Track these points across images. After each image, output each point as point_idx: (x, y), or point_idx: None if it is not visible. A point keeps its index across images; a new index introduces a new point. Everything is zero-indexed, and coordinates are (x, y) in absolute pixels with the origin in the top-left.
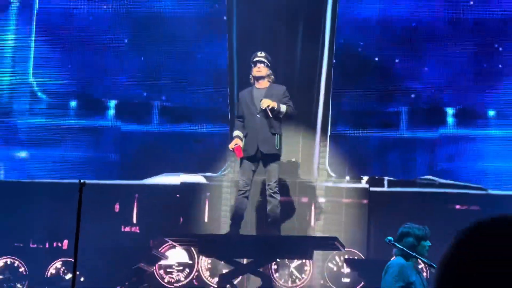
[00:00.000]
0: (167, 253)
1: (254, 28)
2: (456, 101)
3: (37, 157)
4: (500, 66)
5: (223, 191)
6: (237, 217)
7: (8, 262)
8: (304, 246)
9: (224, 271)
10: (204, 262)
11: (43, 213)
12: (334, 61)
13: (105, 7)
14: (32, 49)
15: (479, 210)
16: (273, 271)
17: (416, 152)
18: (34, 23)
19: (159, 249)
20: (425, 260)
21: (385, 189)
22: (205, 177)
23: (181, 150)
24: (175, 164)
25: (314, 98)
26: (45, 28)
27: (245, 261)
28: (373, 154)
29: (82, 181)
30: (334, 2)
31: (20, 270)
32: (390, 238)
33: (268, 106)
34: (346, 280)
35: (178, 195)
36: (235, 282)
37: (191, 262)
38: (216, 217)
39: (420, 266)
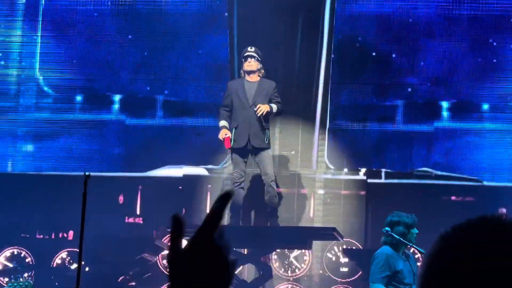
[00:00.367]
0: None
1: (254, 24)
2: (451, 95)
3: (43, 150)
4: (495, 60)
5: (224, 183)
6: (235, 209)
7: (15, 253)
8: (303, 237)
9: None
10: None
11: (49, 204)
12: (332, 56)
13: (109, 3)
14: (38, 44)
15: (474, 202)
16: (273, 261)
17: (413, 145)
18: (40, 19)
19: (162, 240)
20: (420, 249)
21: (383, 180)
22: (207, 169)
23: (183, 143)
24: (177, 156)
25: (313, 92)
26: (51, 24)
27: (245, 251)
28: (370, 146)
29: (87, 173)
30: None
31: (27, 260)
32: (387, 228)
33: (263, 113)
34: (345, 269)
35: (180, 187)
36: (236, 271)
37: None
38: None
39: (411, 250)
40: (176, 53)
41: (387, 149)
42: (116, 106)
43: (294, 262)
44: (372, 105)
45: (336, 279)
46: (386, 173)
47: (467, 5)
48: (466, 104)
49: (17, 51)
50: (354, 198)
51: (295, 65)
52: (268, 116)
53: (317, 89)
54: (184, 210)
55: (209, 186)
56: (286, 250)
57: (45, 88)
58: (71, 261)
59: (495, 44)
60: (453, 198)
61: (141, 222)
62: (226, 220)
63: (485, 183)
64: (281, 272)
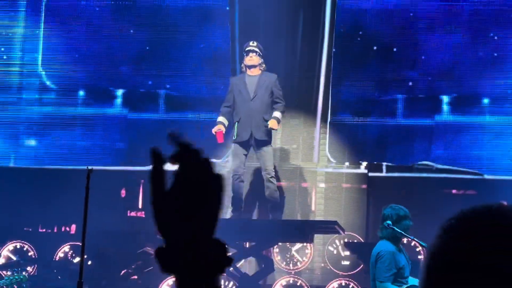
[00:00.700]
0: None
1: (255, 18)
2: (452, 89)
3: (46, 144)
4: (495, 54)
5: (226, 176)
6: (236, 202)
7: (18, 246)
8: (305, 230)
9: (227, 254)
10: None
11: (52, 198)
12: (334, 50)
13: None
14: (41, 39)
15: (475, 195)
16: (275, 254)
17: (414, 138)
18: (43, 14)
19: None
20: (421, 243)
21: (384, 174)
22: None
23: (185, 137)
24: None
25: (314, 87)
26: (53, 19)
27: (247, 244)
28: (371, 140)
29: (89, 167)
30: None
31: (30, 254)
32: (388, 222)
33: (273, 129)
34: (346, 262)
35: None
36: (238, 265)
37: None
38: None
39: (405, 241)
40: (178, 47)
41: (388, 142)
42: (119, 101)
43: (296, 255)
44: (373, 99)
45: (338, 272)
46: (387, 166)
47: None
48: (467, 97)
49: (20, 46)
50: (355, 192)
51: (296, 59)
52: (269, 106)
53: (318, 83)
54: None
55: None
56: (287, 243)
57: (48, 83)
58: (73, 255)
59: (496, 38)
60: (453, 191)
61: (143, 215)
62: (227, 213)
63: (486, 176)
64: (282, 265)
